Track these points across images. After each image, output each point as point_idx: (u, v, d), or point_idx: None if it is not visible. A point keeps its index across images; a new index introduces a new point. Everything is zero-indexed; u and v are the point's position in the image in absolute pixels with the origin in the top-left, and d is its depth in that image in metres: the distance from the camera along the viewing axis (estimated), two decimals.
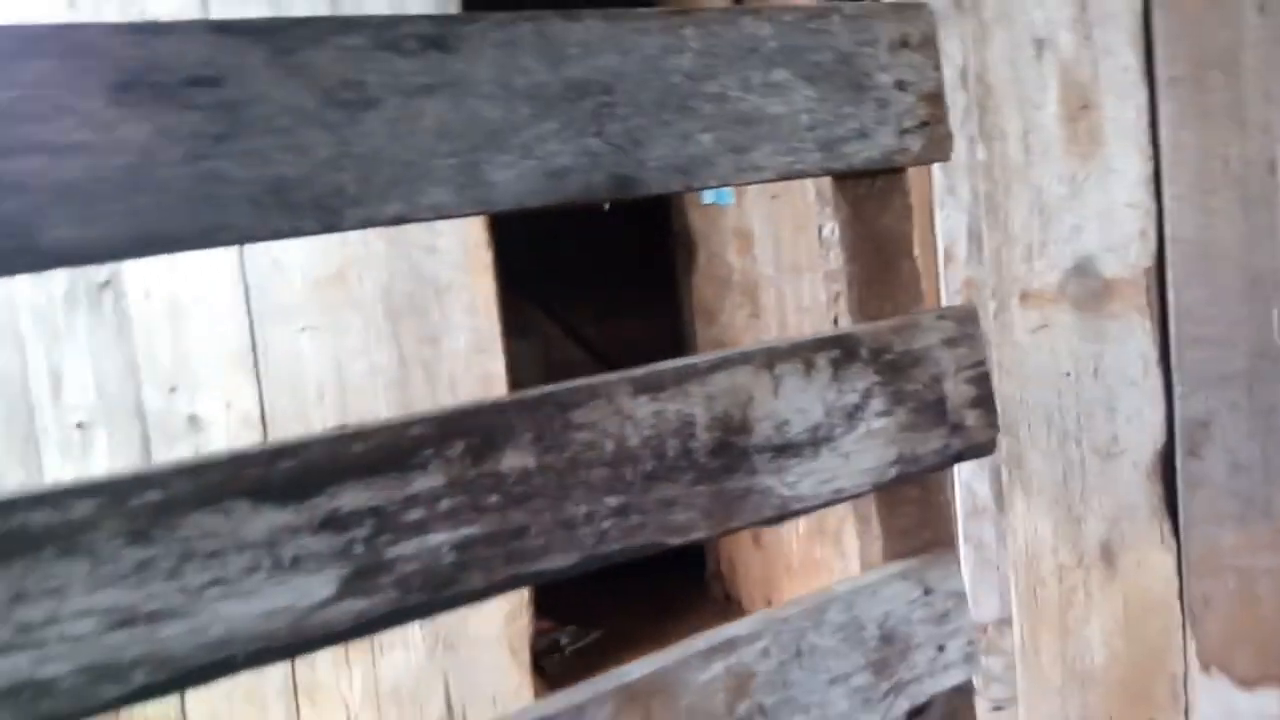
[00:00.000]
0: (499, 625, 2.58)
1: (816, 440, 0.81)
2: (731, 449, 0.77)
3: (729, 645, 0.79)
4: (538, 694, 2.64)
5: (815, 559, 2.87)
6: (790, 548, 3.01)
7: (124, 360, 2.56)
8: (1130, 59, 1.49)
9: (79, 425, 2.59)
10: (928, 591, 0.89)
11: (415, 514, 0.64)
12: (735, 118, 0.81)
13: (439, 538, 0.65)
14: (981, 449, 0.92)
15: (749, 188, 2.97)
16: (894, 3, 0.92)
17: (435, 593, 0.65)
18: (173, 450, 2.53)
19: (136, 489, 0.57)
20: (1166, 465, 1.55)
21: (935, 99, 0.93)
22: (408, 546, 0.64)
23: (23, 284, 2.55)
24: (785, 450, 0.80)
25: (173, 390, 2.55)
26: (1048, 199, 1.56)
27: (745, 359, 0.79)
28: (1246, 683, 1.53)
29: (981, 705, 1.78)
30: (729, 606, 3.52)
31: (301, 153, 0.63)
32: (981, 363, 0.92)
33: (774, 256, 2.93)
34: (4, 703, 0.53)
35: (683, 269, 3.62)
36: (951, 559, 0.92)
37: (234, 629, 0.59)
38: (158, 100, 0.59)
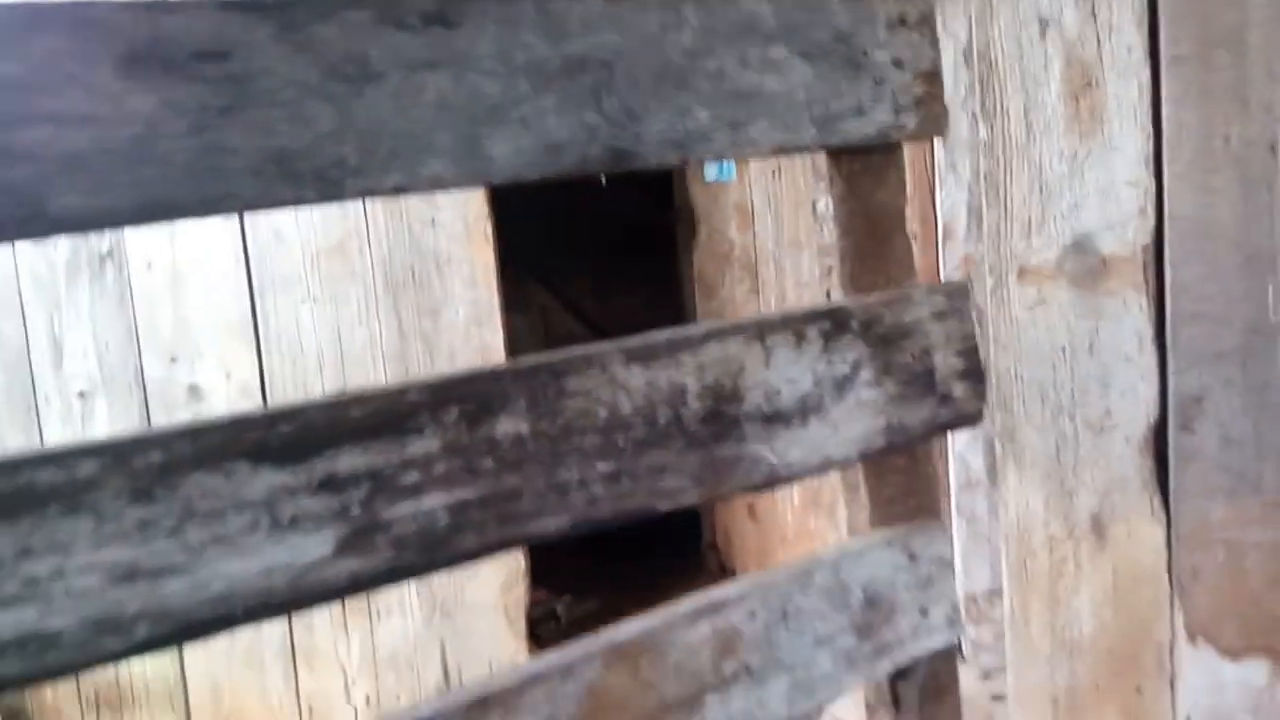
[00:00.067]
0: (495, 593, 2.60)
1: (806, 410, 0.83)
2: (722, 417, 0.79)
3: (716, 606, 0.81)
4: None
5: (810, 530, 2.90)
6: (785, 519, 3.03)
7: (125, 330, 2.57)
8: (1134, 37, 1.50)
9: (80, 394, 2.60)
10: (912, 558, 0.91)
11: (411, 477, 0.66)
12: (733, 93, 0.82)
13: (434, 500, 0.67)
14: (969, 420, 0.93)
15: (750, 164, 2.97)
16: None
17: (429, 553, 0.66)
18: (173, 419, 2.55)
19: (139, 450, 0.59)
20: (1159, 440, 1.56)
21: (932, 77, 0.94)
22: (403, 508, 0.66)
23: (25, 254, 2.56)
24: (775, 419, 0.81)
25: (173, 360, 2.57)
26: (1048, 176, 1.57)
27: (737, 330, 0.81)
28: (1232, 653, 1.55)
29: (971, 673, 1.81)
30: (724, 578, 3.54)
31: (304, 125, 0.64)
32: (970, 336, 0.93)
33: (774, 232, 2.95)
34: (12, 653, 0.55)
35: (683, 244, 3.62)
36: (937, 527, 0.94)
37: (233, 585, 0.60)
38: (165, 73, 0.60)
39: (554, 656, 0.73)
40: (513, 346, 2.57)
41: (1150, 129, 1.51)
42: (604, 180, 2.93)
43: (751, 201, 3.04)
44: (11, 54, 0.56)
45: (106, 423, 2.58)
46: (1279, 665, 1.52)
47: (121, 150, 0.58)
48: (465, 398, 0.69)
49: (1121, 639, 1.61)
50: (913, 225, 2.54)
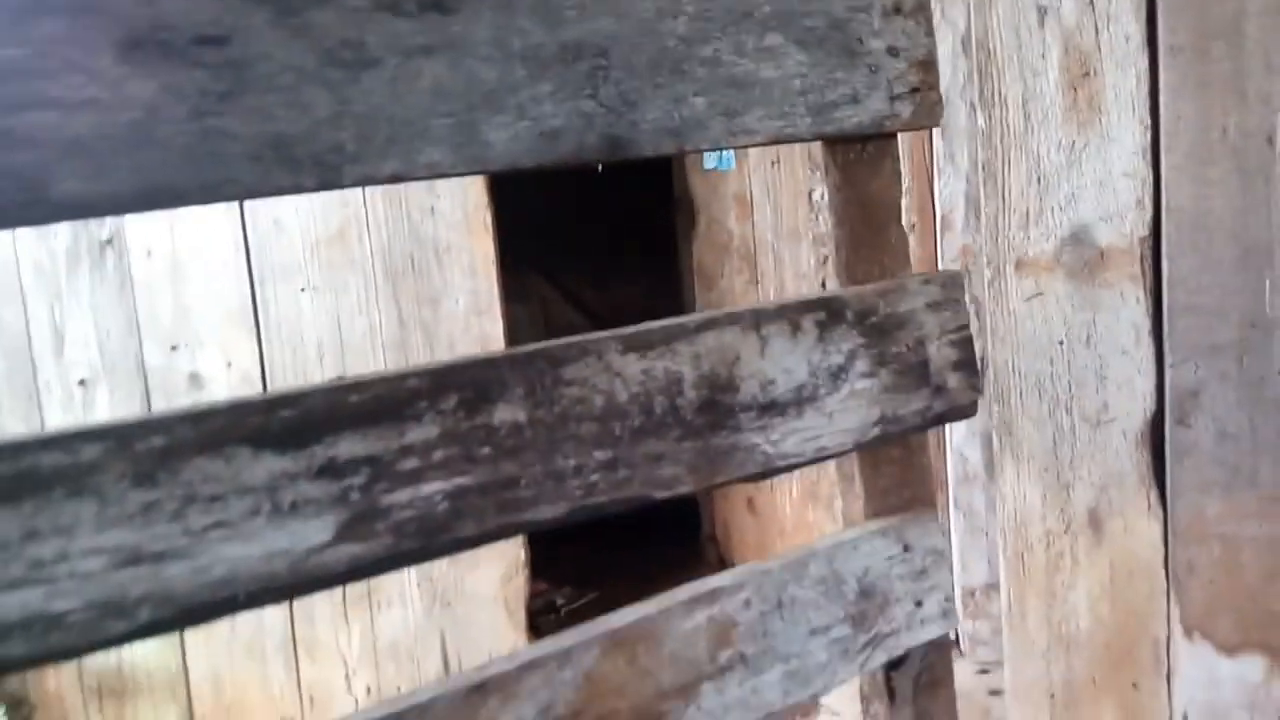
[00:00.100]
0: (495, 584, 2.61)
1: (801, 399, 0.83)
2: (718, 407, 0.79)
3: (712, 595, 0.81)
4: None
5: (808, 523, 2.91)
6: (783, 512, 3.04)
7: (125, 318, 2.58)
8: (1133, 27, 1.50)
9: (81, 382, 2.61)
10: (907, 548, 0.91)
11: (410, 463, 0.66)
12: (728, 81, 0.82)
13: (432, 486, 0.67)
14: (963, 411, 0.94)
15: (749, 154, 2.97)
16: None
17: (428, 539, 0.67)
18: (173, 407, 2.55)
19: (142, 434, 0.59)
20: (1155, 433, 1.57)
21: (927, 65, 0.94)
22: (402, 494, 0.66)
23: (26, 242, 2.57)
24: (770, 409, 0.82)
25: (174, 348, 2.57)
26: (1046, 167, 1.57)
27: (733, 319, 0.81)
28: (1228, 648, 1.55)
29: (968, 667, 1.81)
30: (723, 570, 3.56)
31: (302, 111, 0.65)
32: (965, 326, 0.94)
33: (773, 222, 2.95)
34: (17, 635, 0.55)
35: (683, 234, 3.62)
36: (932, 518, 0.94)
37: (235, 570, 0.61)
38: (165, 58, 0.60)
39: (552, 643, 0.74)
40: (512, 336, 2.57)
41: (1148, 120, 1.51)
42: (599, 169, 2.93)
43: (751, 192, 3.04)
44: (12, 39, 0.56)
45: (107, 411, 2.58)
46: (1275, 661, 1.53)
47: (122, 135, 0.59)
48: (464, 385, 0.69)
49: (1118, 634, 1.61)
50: (911, 215, 2.54)
